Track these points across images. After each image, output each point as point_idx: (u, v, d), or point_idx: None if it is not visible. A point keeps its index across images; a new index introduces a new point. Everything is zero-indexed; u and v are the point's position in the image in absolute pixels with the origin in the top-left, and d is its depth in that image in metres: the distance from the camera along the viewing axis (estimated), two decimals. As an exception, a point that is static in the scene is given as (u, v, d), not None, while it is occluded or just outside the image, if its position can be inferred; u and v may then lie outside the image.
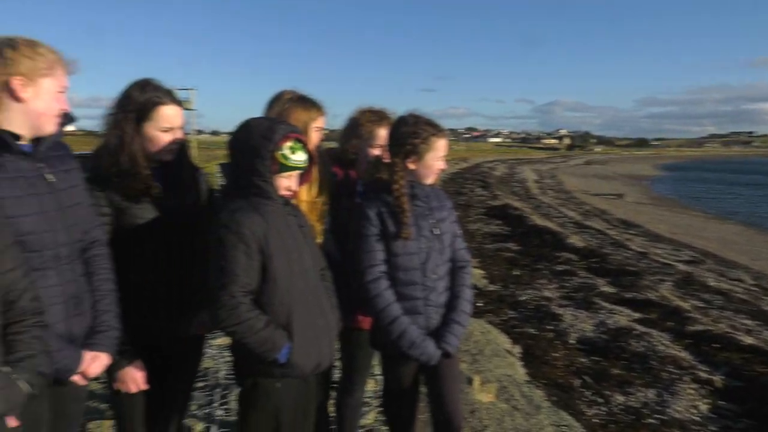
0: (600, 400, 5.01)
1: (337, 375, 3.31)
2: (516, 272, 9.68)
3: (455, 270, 2.77)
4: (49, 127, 2.00)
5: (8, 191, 1.86)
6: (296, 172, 2.33)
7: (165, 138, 2.40)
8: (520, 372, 5.39)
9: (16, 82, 1.90)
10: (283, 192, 2.32)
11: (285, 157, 2.26)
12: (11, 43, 1.92)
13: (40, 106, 1.96)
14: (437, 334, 2.66)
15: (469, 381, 4.69)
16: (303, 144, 2.33)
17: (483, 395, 4.57)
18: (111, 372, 2.32)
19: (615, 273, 9.52)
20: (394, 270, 2.64)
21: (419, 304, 2.66)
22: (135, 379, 2.37)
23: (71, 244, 2.05)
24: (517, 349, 6.06)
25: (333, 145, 3.25)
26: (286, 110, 2.73)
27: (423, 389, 2.85)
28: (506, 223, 15.34)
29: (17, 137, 1.92)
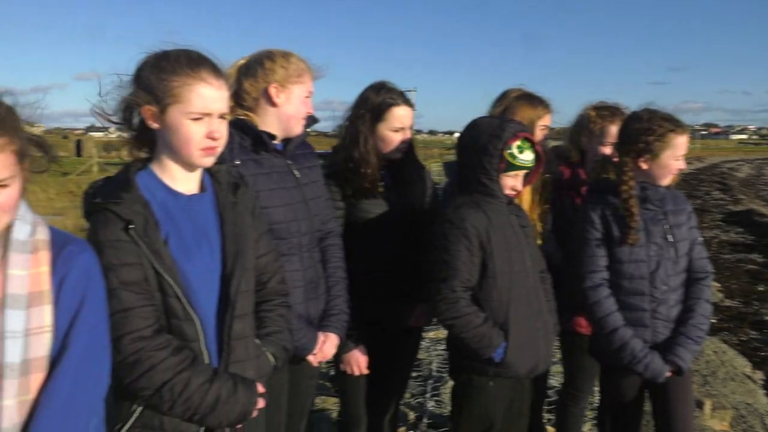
0: None
1: (553, 380, 3.21)
2: (761, 288, 8.54)
3: (692, 281, 2.51)
4: (297, 128, 2.23)
5: (264, 184, 2.10)
6: (522, 172, 2.31)
7: (396, 138, 2.53)
8: (763, 401, 4.75)
9: (272, 89, 2.16)
10: (508, 191, 2.31)
11: (513, 156, 2.25)
12: (269, 55, 2.19)
13: (291, 110, 2.19)
14: (666, 348, 2.44)
15: (699, 405, 4.25)
16: (531, 143, 2.30)
17: (715, 422, 4.12)
18: (338, 354, 2.48)
19: None
20: (618, 277, 2.48)
21: (646, 316, 2.46)
22: (359, 362, 2.53)
23: (311, 233, 2.25)
24: (758, 375, 5.36)
25: (556, 143, 3.15)
26: (512, 108, 2.72)
27: (647, 408, 2.63)
28: (750, 231, 13.51)
29: (273, 137, 2.18)
